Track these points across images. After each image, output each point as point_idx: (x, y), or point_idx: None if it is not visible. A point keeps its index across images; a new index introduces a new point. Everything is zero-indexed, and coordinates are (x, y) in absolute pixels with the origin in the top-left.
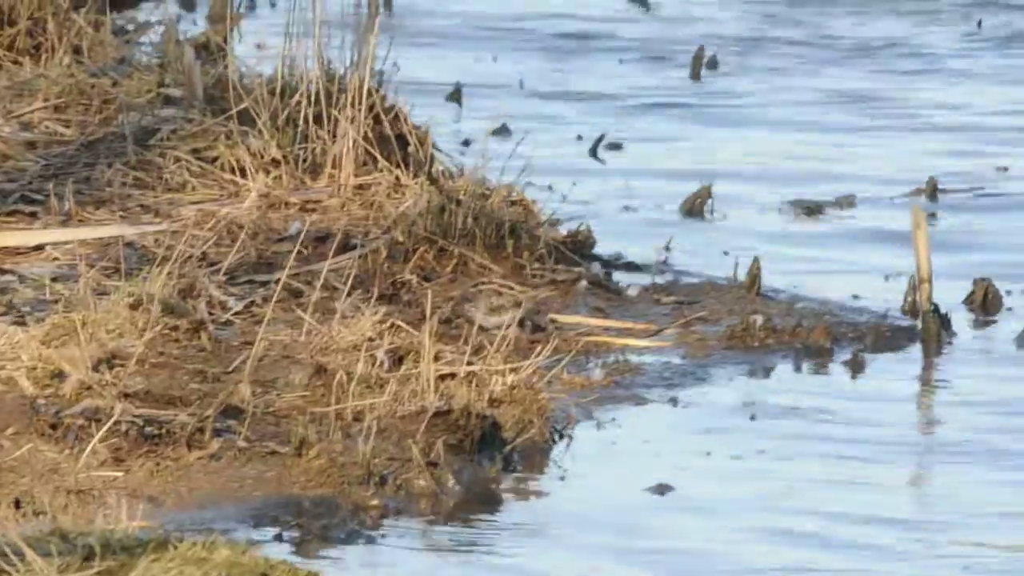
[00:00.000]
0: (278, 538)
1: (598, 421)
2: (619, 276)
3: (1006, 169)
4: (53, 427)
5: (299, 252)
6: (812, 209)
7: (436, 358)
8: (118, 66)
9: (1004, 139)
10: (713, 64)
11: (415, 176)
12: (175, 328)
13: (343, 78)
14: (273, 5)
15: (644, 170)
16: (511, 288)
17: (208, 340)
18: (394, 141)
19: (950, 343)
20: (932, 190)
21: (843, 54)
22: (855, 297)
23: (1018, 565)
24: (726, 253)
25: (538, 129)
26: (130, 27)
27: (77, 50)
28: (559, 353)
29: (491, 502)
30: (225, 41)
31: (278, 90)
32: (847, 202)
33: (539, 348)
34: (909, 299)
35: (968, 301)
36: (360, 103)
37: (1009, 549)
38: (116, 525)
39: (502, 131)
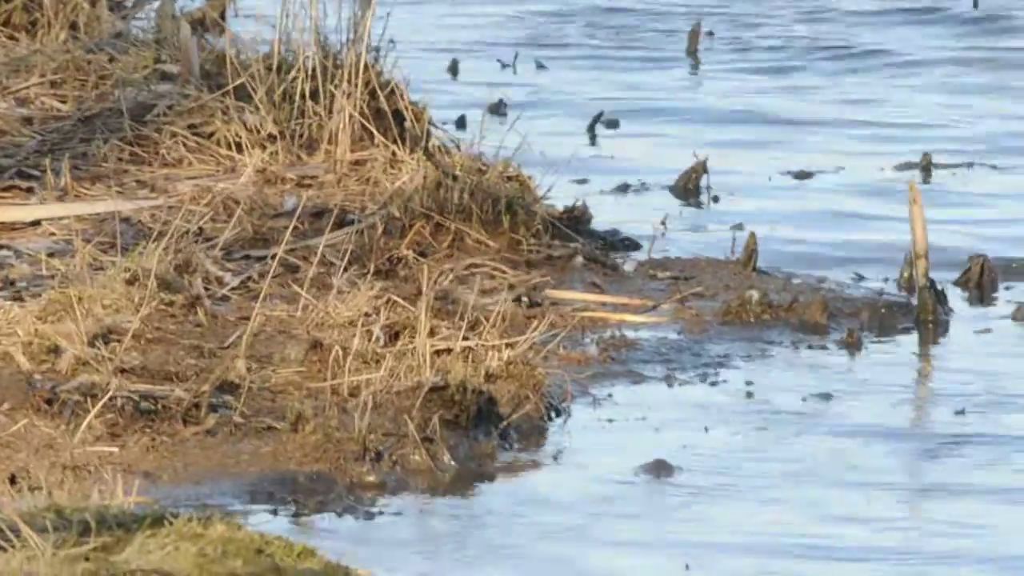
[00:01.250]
0: (274, 513)
1: (594, 397)
2: (615, 252)
3: None
4: (49, 402)
5: (295, 227)
6: (802, 175)
7: (432, 333)
8: (114, 42)
9: None
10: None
11: (411, 152)
12: (171, 303)
13: (339, 54)
14: None
15: (640, 146)
16: (504, 272)
17: (204, 315)
18: (390, 116)
19: (946, 318)
20: (926, 164)
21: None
22: (854, 275)
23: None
24: (716, 231)
25: (535, 103)
26: (127, 2)
27: (73, 26)
28: (555, 328)
29: (486, 478)
30: (222, 16)
31: (274, 65)
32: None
33: (535, 324)
34: (905, 274)
35: (964, 277)
36: (356, 79)
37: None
38: (112, 501)
39: (499, 107)
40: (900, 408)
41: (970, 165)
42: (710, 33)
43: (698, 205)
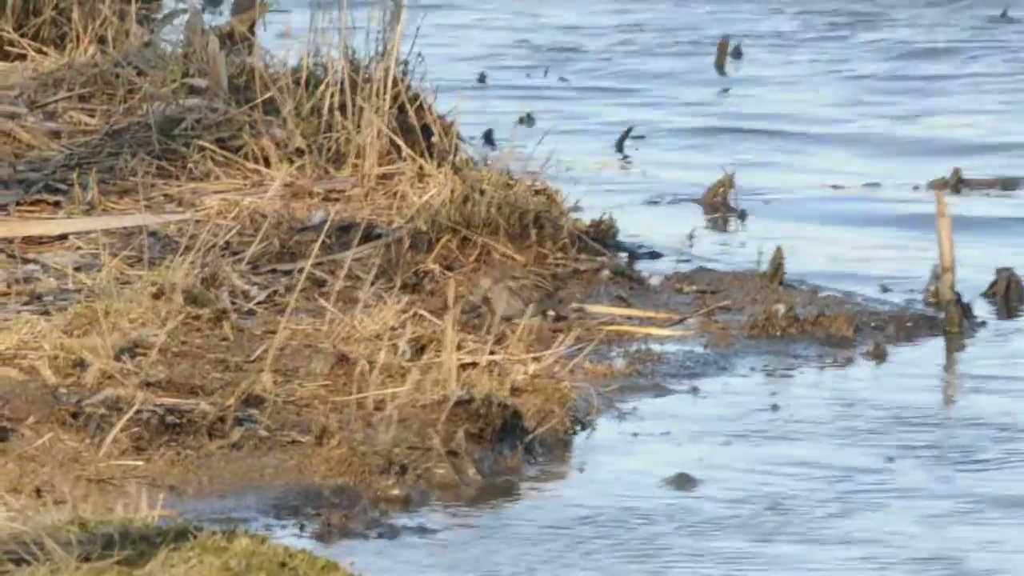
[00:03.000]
0: (298, 527)
1: (619, 411)
2: (642, 265)
3: None
4: (74, 416)
5: (322, 242)
6: (834, 188)
7: (458, 347)
8: (143, 56)
9: None
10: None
11: (439, 166)
12: (197, 317)
13: (368, 68)
14: None
15: (668, 161)
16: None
17: (230, 329)
18: (418, 131)
19: (973, 332)
20: (956, 181)
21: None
22: (880, 287)
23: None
24: (743, 246)
25: (563, 118)
26: (155, 17)
27: (102, 40)
28: (581, 342)
29: (511, 491)
30: (250, 31)
31: (303, 80)
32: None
33: (561, 337)
34: (932, 288)
35: (991, 291)
36: (385, 93)
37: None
38: (136, 514)
39: (527, 120)
40: (926, 421)
41: (1004, 184)
42: (738, 48)
43: (725, 219)
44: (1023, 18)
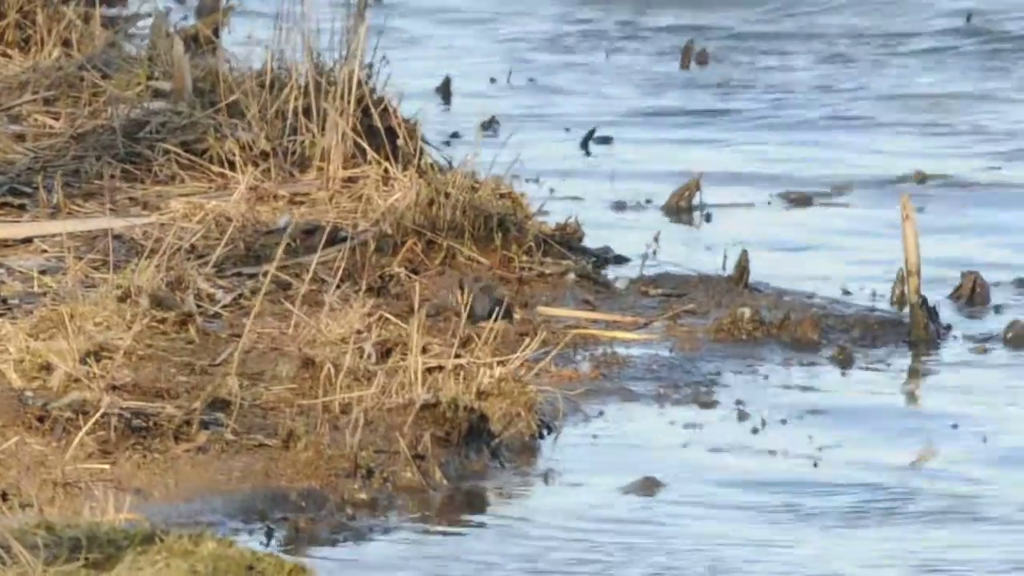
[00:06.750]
0: (265, 531)
1: (585, 414)
2: (607, 269)
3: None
4: (40, 419)
5: (288, 245)
6: (800, 200)
7: (424, 351)
8: (108, 59)
9: None
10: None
11: (404, 169)
12: (163, 321)
13: (332, 71)
14: None
15: (633, 164)
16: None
17: (196, 332)
18: (383, 134)
19: (938, 335)
20: (921, 180)
21: None
22: (843, 291)
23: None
24: (708, 248)
25: (526, 122)
26: (120, 20)
27: (67, 43)
28: (547, 346)
29: (477, 495)
30: (215, 33)
31: (267, 83)
32: (838, 190)
33: (527, 341)
34: (897, 291)
35: (956, 293)
36: (349, 96)
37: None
38: (103, 518)
39: (491, 123)
40: (891, 424)
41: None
42: (703, 51)
43: (690, 222)
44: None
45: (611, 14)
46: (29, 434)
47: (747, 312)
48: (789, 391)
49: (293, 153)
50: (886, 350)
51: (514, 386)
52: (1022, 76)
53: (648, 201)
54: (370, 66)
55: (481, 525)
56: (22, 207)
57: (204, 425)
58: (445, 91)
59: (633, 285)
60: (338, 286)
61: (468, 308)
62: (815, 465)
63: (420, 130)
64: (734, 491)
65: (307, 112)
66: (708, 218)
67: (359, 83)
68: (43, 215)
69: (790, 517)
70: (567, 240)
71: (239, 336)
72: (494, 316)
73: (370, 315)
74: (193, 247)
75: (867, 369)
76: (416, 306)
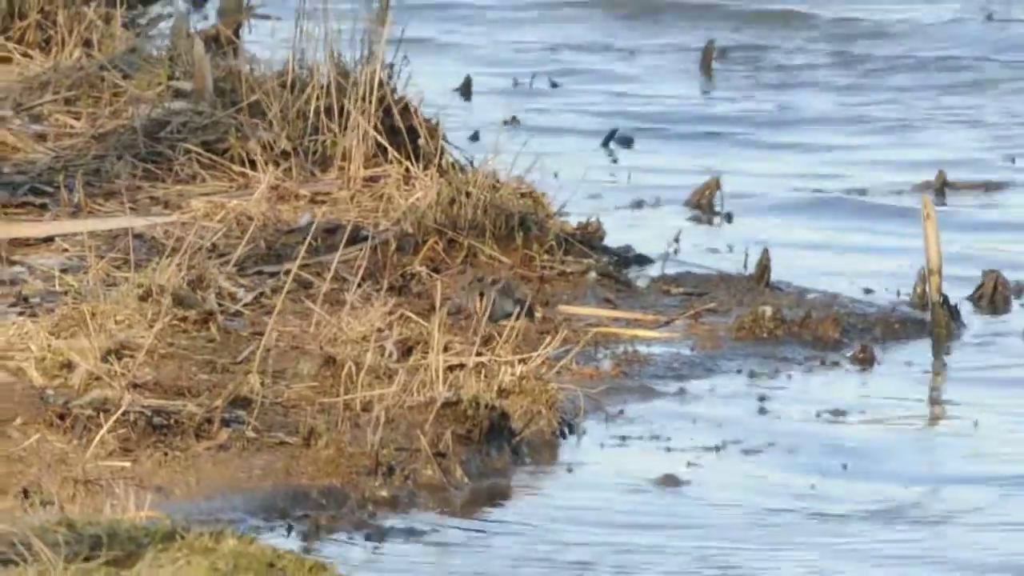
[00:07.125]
0: (286, 528)
1: (606, 412)
2: (628, 268)
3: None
4: (61, 417)
5: (309, 244)
6: (823, 199)
7: (445, 349)
8: (128, 59)
9: None
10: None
11: (425, 168)
12: (184, 319)
13: (354, 70)
14: None
15: (653, 163)
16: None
17: (217, 331)
18: (404, 133)
19: (959, 334)
20: (941, 184)
21: None
22: (865, 290)
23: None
24: (729, 247)
25: (548, 123)
26: (141, 20)
27: (87, 43)
28: (568, 344)
29: (498, 493)
30: (236, 34)
31: (289, 83)
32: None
33: (548, 339)
34: (919, 290)
35: (977, 293)
36: (371, 95)
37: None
38: (123, 515)
39: (513, 124)
40: (913, 423)
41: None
42: (724, 51)
43: (711, 221)
44: None
45: (633, 19)
46: (50, 432)
47: (768, 311)
48: (810, 390)
49: (314, 152)
50: (908, 349)
51: (535, 384)
52: None
53: (668, 200)
54: (391, 66)
55: (502, 522)
56: (44, 206)
57: (225, 423)
58: (466, 91)
59: (654, 284)
60: (359, 285)
61: (487, 311)
62: (844, 468)
63: (441, 129)
64: (757, 489)
65: (328, 112)
66: (729, 218)
67: (380, 83)
68: (64, 214)
69: (814, 518)
70: (588, 239)
71: (260, 334)
72: (515, 315)
73: (391, 313)
74: (214, 246)
75: (888, 368)
76: (437, 304)
